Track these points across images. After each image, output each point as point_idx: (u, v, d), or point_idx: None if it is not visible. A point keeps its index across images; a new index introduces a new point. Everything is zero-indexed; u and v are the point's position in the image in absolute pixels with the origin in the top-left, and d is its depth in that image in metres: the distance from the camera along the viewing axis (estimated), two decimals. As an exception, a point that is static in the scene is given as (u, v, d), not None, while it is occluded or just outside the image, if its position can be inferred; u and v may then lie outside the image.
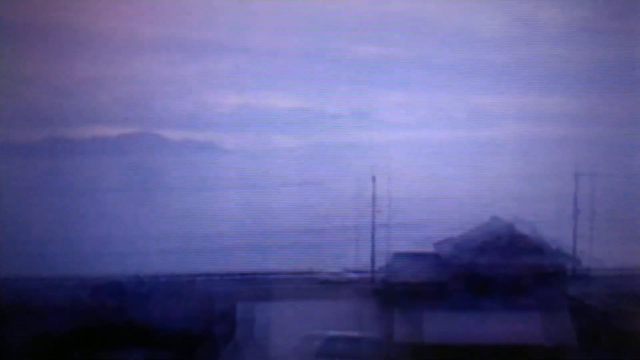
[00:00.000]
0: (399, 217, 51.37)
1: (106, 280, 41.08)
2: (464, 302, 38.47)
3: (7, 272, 40.84)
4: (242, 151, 58.10)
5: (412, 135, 63.32)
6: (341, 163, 59.32)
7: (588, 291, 41.17)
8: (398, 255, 46.60)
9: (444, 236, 48.56)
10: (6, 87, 55.27)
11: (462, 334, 35.64)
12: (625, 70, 55.10)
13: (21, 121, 54.58)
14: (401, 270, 44.12)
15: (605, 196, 53.00)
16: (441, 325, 35.88)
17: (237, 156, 57.96)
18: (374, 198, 53.24)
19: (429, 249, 48.23)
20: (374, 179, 53.34)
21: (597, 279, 44.15)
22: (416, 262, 45.46)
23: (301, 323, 40.82)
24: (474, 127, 62.31)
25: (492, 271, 40.30)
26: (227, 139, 60.30)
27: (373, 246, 51.37)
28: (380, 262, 49.67)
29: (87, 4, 55.83)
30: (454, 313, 36.57)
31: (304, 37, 59.41)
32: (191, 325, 37.88)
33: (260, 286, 46.86)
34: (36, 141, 55.89)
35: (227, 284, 46.21)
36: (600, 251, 49.28)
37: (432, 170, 58.34)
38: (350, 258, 50.92)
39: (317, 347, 37.74)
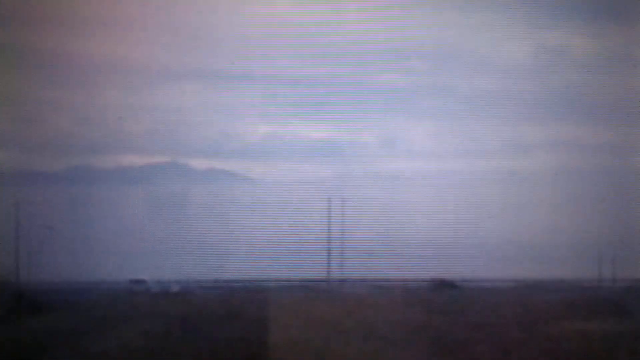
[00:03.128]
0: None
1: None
2: None
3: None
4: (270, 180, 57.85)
5: (441, 166, 62.92)
6: (367, 192, 59.04)
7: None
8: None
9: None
10: (34, 115, 55.42)
11: None
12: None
13: (48, 149, 54.63)
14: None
15: None
16: None
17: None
18: None
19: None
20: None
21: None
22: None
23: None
24: (505, 157, 61.75)
25: None
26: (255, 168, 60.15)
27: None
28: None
29: (114, 33, 56.03)
30: None
31: (333, 66, 59.22)
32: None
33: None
34: (62, 170, 55.94)
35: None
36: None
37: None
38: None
39: None
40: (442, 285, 50.06)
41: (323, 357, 30.75)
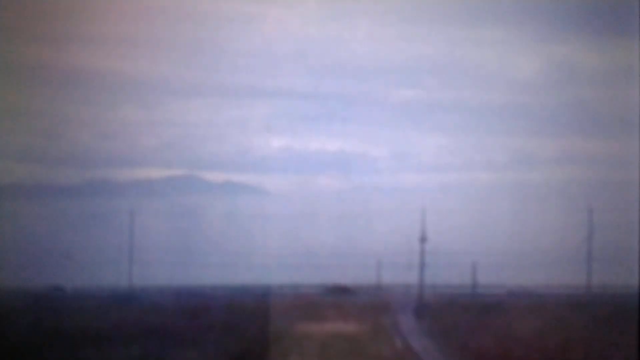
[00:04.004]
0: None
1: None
2: None
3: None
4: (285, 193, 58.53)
5: (453, 178, 63.67)
6: (380, 204, 59.54)
7: None
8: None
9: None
10: (53, 130, 56.19)
11: None
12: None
13: (68, 163, 55.35)
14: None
15: None
16: None
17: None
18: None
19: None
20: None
21: None
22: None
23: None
24: (515, 170, 62.38)
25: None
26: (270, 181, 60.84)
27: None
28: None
29: (132, 50, 56.80)
30: None
31: (346, 81, 60.00)
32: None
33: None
34: (82, 183, 56.63)
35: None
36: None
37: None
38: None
39: None
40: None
41: None
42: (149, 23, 55.28)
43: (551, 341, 36.41)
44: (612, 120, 56.51)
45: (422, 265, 50.39)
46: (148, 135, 58.82)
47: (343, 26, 58.04)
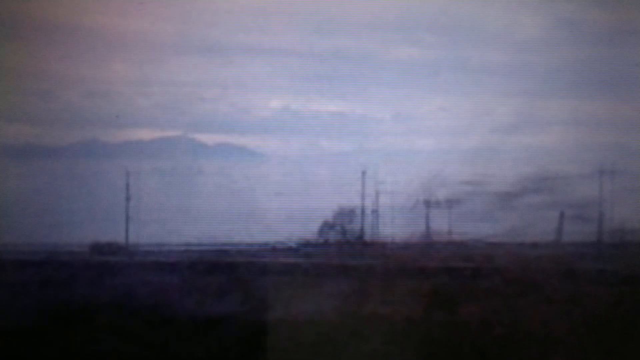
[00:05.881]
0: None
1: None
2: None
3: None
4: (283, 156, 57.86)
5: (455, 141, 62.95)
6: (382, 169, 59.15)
7: None
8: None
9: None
10: (44, 89, 55.75)
11: None
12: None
13: (59, 123, 54.98)
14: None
15: None
16: None
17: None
18: None
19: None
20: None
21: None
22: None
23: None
24: (521, 132, 61.64)
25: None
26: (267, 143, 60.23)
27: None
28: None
29: (125, 6, 56.13)
30: None
31: (343, 39, 59.11)
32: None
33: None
34: (72, 143, 56.35)
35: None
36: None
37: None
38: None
39: None
40: None
41: None
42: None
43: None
44: (620, 80, 55.62)
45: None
46: (141, 95, 58.20)
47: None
